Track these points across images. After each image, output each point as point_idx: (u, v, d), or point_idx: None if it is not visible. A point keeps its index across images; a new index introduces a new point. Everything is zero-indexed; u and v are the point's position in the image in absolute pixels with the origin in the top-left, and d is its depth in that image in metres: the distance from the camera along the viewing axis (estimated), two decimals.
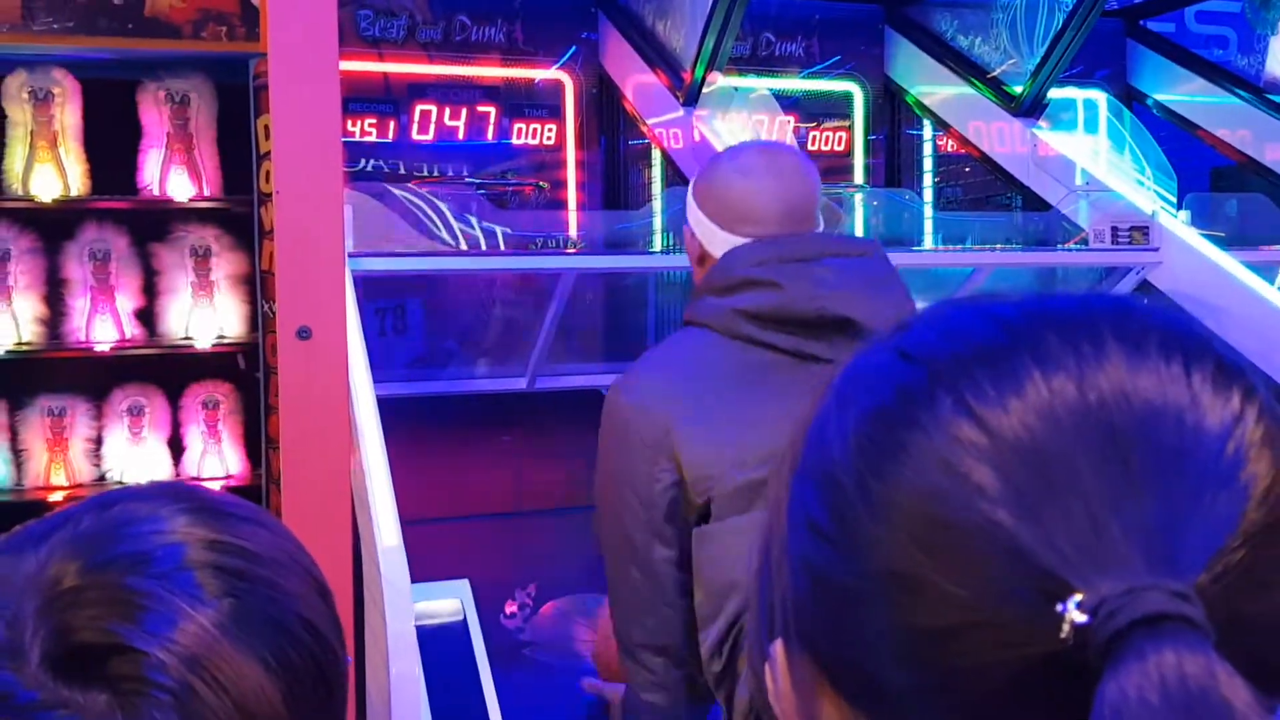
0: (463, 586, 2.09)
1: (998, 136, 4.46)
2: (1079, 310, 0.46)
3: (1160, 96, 5.24)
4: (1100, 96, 5.05)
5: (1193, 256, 3.51)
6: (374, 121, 4.13)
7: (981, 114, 4.41)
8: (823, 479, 0.47)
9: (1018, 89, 4.25)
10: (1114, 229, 3.56)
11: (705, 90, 3.78)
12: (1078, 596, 0.40)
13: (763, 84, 4.26)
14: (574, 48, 4.42)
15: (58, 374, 3.39)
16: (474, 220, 3.17)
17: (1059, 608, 0.40)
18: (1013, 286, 3.94)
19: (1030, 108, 4.20)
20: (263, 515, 0.67)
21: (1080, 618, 0.39)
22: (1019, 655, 0.41)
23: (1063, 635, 0.40)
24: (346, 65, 3.07)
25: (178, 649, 0.57)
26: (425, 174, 4.26)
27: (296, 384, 1.53)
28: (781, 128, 3.92)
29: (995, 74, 4.38)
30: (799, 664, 0.48)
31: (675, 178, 3.92)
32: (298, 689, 0.60)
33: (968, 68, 4.44)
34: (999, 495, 0.42)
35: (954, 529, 0.42)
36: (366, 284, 3.14)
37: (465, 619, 2.03)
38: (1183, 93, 5.16)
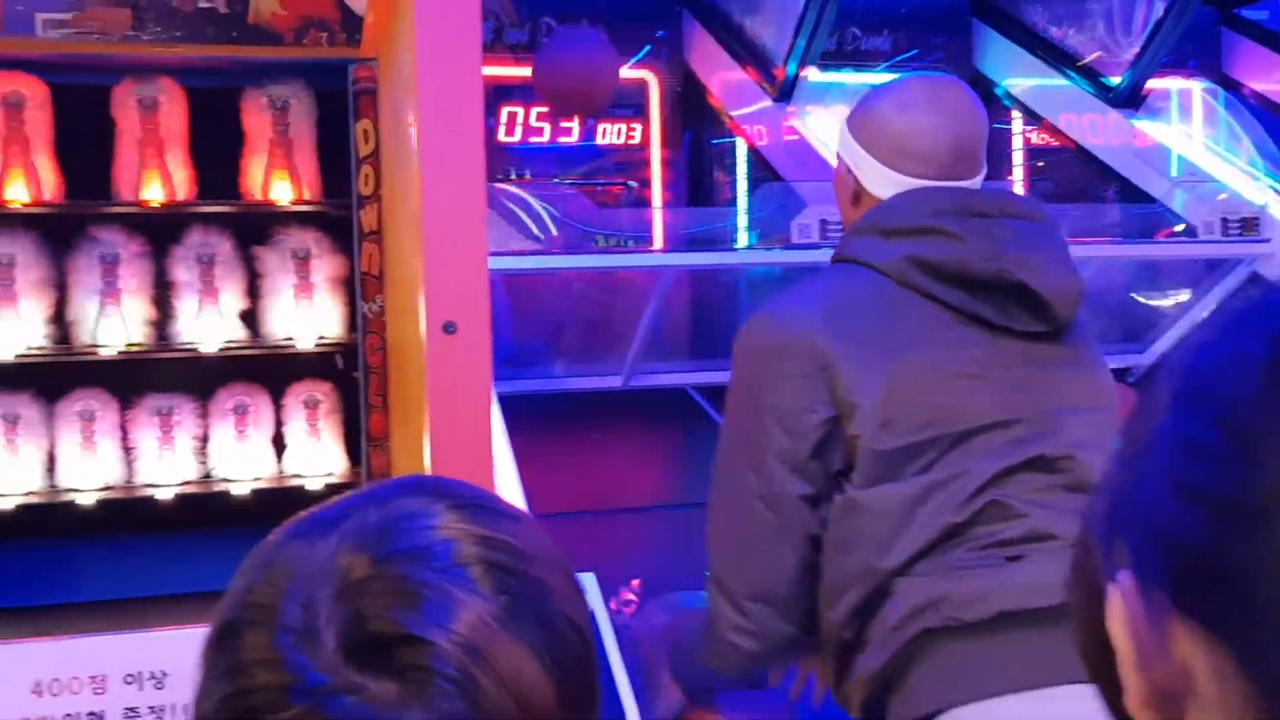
0: (589, 580, 2.10)
1: (1090, 128, 4.37)
2: None
3: (1256, 85, 5.10)
4: (1196, 85, 4.92)
5: None
6: None
7: (1074, 105, 4.33)
8: (1217, 402, 0.48)
9: (1115, 79, 4.16)
10: (1224, 220, 3.47)
11: (799, 86, 3.76)
12: None
13: (849, 79, 4.24)
14: (648, 46, 4.43)
15: (165, 374, 3.48)
16: (568, 220, 3.20)
17: None
18: (1109, 281, 3.86)
19: (1128, 98, 4.12)
20: (521, 512, 0.69)
21: None
22: None
23: None
24: None
25: (462, 641, 0.58)
26: (512, 176, 4.30)
27: (443, 378, 1.55)
28: None
29: (1091, 64, 4.30)
30: (1151, 592, 0.49)
31: (766, 174, 3.91)
32: (567, 687, 0.61)
33: (1061, 58, 4.36)
34: None
35: None
36: None
37: (593, 612, 2.02)
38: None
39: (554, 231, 3.26)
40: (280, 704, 0.58)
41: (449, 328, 1.54)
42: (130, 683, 1.60)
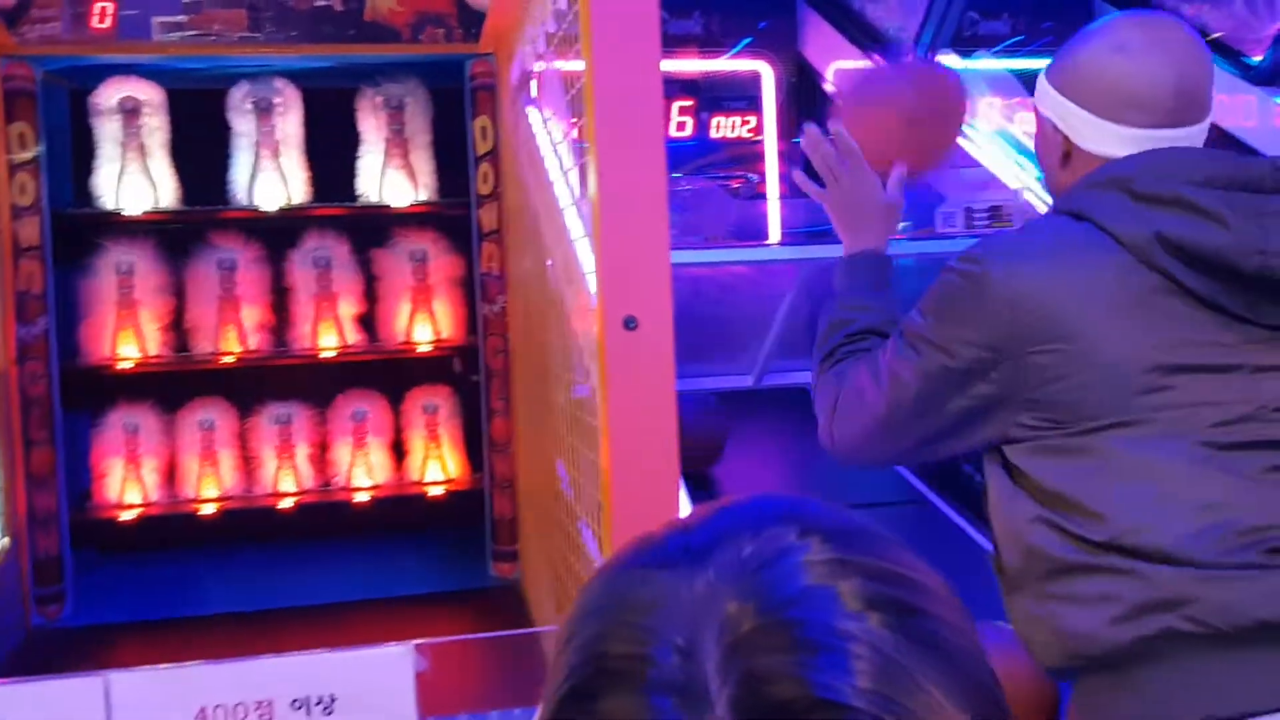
0: None
1: (1219, 108, 4.14)
2: None
3: None
4: None
5: None
6: None
7: None
8: None
9: (1257, 57, 3.94)
10: None
11: None
12: None
13: (965, 64, 4.06)
14: (748, 38, 4.29)
15: (284, 381, 3.42)
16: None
17: None
18: None
19: (1270, 75, 3.89)
20: (895, 538, 0.55)
21: None
22: None
23: None
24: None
25: (883, 702, 0.45)
26: None
27: (624, 375, 1.43)
28: (1022, 107, 3.73)
29: (1229, 41, 4.08)
30: None
31: None
32: None
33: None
34: None
35: None
36: None
37: None
38: None
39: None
40: None
41: (630, 323, 1.42)
42: (298, 708, 1.50)
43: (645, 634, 0.48)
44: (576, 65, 1.77)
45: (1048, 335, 1.28)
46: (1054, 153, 1.42)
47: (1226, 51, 4.09)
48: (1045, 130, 1.43)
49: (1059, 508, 1.27)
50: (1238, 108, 4.06)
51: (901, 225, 1.80)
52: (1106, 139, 1.35)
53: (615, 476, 1.43)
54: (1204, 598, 1.19)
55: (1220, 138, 4.18)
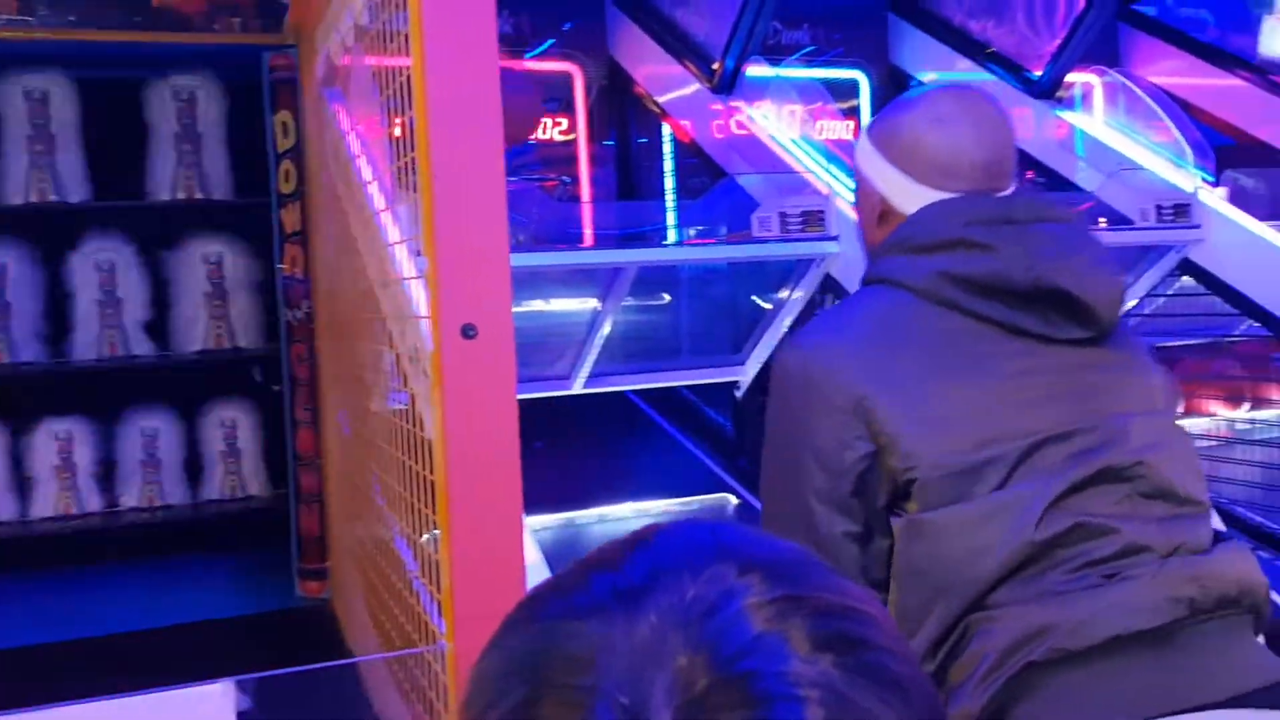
0: None
1: None
2: None
3: (1154, 78, 5.23)
4: (1095, 79, 5.02)
5: (1237, 232, 3.47)
6: None
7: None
8: None
9: (1037, 72, 4.19)
10: (1159, 208, 3.51)
11: (740, 79, 3.65)
12: None
13: (769, 72, 4.15)
14: (551, 40, 4.25)
15: (62, 395, 3.15)
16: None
17: None
18: None
19: (1048, 89, 4.15)
20: (820, 560, 0.52)
21: None
22: None
23: None
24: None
25: None
26: None
27: (462, 385, 1.37)
28: (826, 115, 3.82)
29: (1013, 57, 4.32)
30: None
31: (707, 169, 3.78)
32: None
33: (978, 51, 4.37)
34: None
35: None
36: None
37: None
38: (1175, 73, 5.16)
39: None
40: None
41: (468, 331, 1.36)
42: None
43: (583, 694, 0.43)
44: (398, 61, 1.68)
45: (887, 401, 1.32)
46: (873, 210, 1.49)
47: (1009, 66, 4.33)
48: (865, 190, 1.50)
49: (918, 581, 1.30)
50: (1019, 121, 4.31)
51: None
52: (922, 204, 1.42)
53: (454, 491, 1.36)
54: (1056, 623, 1.23)
55: None
